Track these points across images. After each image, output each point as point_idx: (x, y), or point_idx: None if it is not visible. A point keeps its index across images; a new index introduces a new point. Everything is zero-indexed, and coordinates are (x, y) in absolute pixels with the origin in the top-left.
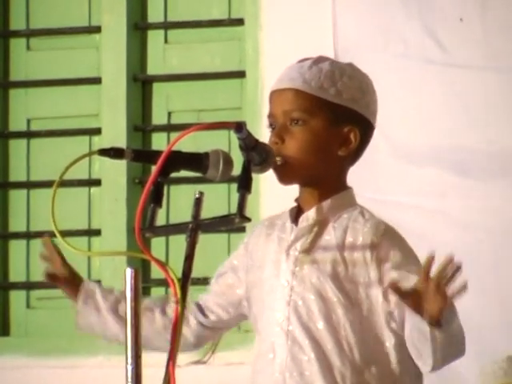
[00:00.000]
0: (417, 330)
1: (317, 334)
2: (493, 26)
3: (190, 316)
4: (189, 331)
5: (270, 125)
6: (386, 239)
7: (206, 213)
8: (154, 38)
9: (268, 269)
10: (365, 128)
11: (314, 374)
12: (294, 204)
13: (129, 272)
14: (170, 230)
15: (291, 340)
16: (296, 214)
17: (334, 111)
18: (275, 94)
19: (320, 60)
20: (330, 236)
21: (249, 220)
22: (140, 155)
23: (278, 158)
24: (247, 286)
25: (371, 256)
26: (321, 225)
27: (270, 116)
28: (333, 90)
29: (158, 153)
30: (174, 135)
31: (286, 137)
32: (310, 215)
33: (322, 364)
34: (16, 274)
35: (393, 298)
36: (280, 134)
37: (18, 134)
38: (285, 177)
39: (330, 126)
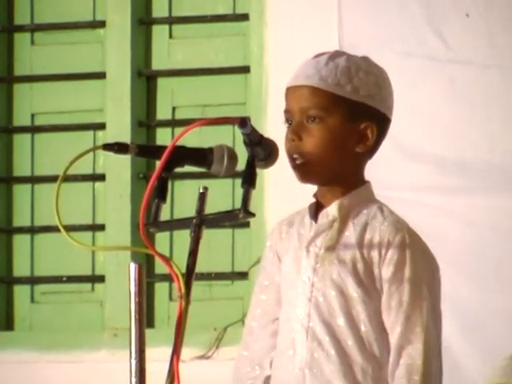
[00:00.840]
0: None
1: (337, 331)
2: (497, 22)
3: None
4: None
5: (287, 120)
6: (398, 243)
7: (210, 208)
8: (159, 33)
9: (288, 265)
10: (381, 123)
11: (334, 371)
12: (312, 200)
13: (133, 267)
14: (174, 225)
15: (311, 336)
16: (315, 209)
17: (351, 108)
18: (291, 91)
19: (336, 55)
20: (350, 232)
21: (253, 215)
22: (144, 150)
23: (295, 156)
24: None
25: (385, 253)
26: (341, 221)
27: (287, 112)
28: (349, 86)
29: (163, 148)
30: (178, 130)
31: (303, 134)
32: (329, 211)
33: (342, 360)
34: (20, 268)
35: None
36: (297, 131)
37: (23, 129)
38: (305, 176)
39: (347, 123)
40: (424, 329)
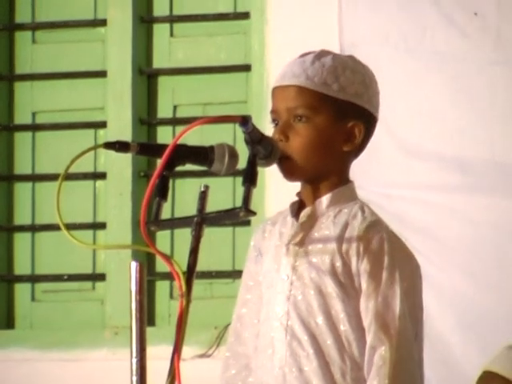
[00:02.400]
0: None
1: (316, 330)
2: (507, 20)
3: None
4: None
5: (273, 120)
6: (376, 242)
7: (211, 206)
8: (160, 31)
9: (268, 263)
10: (368, 121)
11: (313, 370)
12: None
13: (134, 265)
14: (175, 223)
15: (290, 335)
16: (297, 208)
17: (338, 107)
18: (278, 90)
19: (322, 54)
20: (330, 231)
21: (254, 214)
22: (145, 149)
23: (280, 155)
24: None
25: (363, 252)
26: (321, 219)
27: (273, 112)
28: (336, 85)
29: (164, 146)
30: (179, 129)
31: (290, 134)
32: (311, 210)
33: (321, 360)
34: (21, 266)
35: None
36: (284, 131)
37: (24, 127)
38: (290, 173)
39: (334, 122)
40: (397, 330)
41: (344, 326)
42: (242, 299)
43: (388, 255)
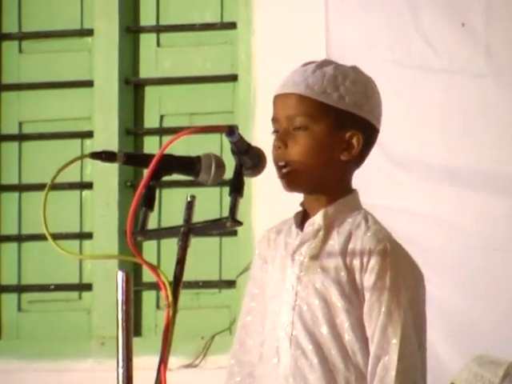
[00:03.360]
0: None
1: (321, 339)
2: (496, 32)
3: None
4: None
5: (275, 129)
6: (380, 252)
7: (198, 216)
8: (147, 41)
9: (274, 273)
10: (368, 132)
11: (317, 379)
12: (299, 208)
13: (120, 275)
14: (162, 233)
15: (295, 345)
16: (302, 218)
17: (337, 116)
18: (279, 99)
19: (324, 64)
20: (334, 241)
21: (240, 224)
22: (132, 158)
23: (281, 164)
24: None
25: (366, 263)
26: (325, 230)
27: (274, 120)
28: (336, 94)
29: (150, 156)
30: (166, 138)
31: (289, 142)
32: (315, 220)
33: (325, 369)
34: (7, 276)
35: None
36: (283, 138)
37: (10, 137)
38: (290, 184)
39: (333, 131)
40: (401, 340)
41: (348, 336)
42: (247, 307)
43: (391, 265)
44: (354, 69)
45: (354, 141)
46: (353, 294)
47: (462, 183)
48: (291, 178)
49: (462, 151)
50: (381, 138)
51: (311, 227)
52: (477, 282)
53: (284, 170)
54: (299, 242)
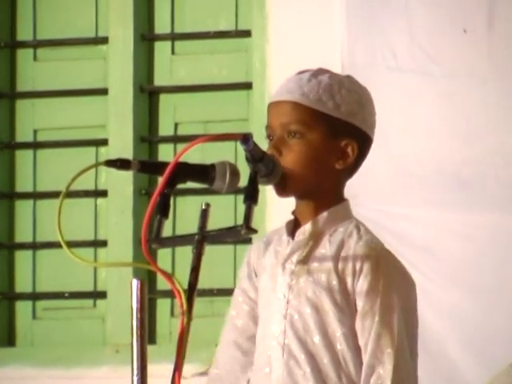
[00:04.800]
0: None
1: (313, 348)
2: (498, 37)
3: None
4: None
5: (268, 136)
6: (372, 261)
7: (213, 224)
8: (161, 49)
9: (264, 282)
10: (363, 141)
11: None
12: (291, 217)
13: (135, 283)
14: (177, 241)
15: (287, 354)
16: (293, 227)
17: (332, 124)
18: (273, 106)
19: (319, 72)
20: (325, 249)
21: (255, 231)
22: (146, 166)
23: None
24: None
25: (359, 271)
26: (317, 238)
27: (268, 127)
28: (331, 103)
29: (165, 164)
30: (180, 146)
31: (283, 149)
32: (306, 229)
33: (317, 378)
34: (22, 284)
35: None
36: (277, 146)
37: (25, 145)
38: (282, 190)
39: (328, 139)
40: (395, 349)
41: (340, 345)
42: (230, 316)
43: (384, 274)
44: (349, 78)
45: (349, 150)
46: (345, 303)
47: (473, 190)
48: (283, 184)
49: (470, 158)
50: (391, 145)
51: (302, 235)
52: (490, 289)
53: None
54: (290, 251)
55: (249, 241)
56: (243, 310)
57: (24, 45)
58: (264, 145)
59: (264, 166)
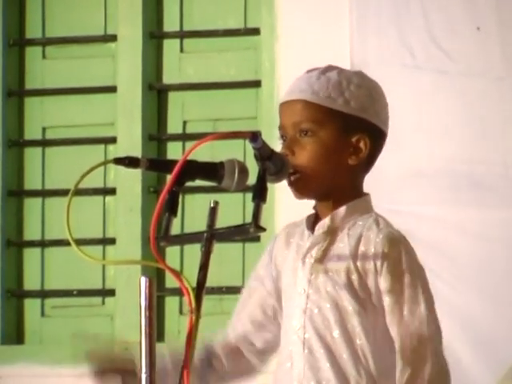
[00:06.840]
0: None
1: (332, 343)
2: (511, 34)
3: (245, 347)
4: (254, 361)
5: (282, 137)
6: (395, 254)
7: (221, 222)
8: (170, 47)
9: (286, 276)
10: (376, 136)
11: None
12: (312, 211)
13: (143, 281)
14: (185, 239)
15: (308, 348)
16: (313, 221)
17: (343, 120)
18: (284, 106)
19: (328, 69)
20: (344, 243)
21: (263, 230)
22: (155, 164)
23: (290, 171)
24: (278, 295)
25: (381, 266)
26: (335, 232)
27: (281, 128)
28: (341, 99)
29: (174, 162)
30: (189, 144)
31: (296, 148)
32: (325, 223)
33: (337, 373)
34: (31, 282)
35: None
36: (290, 146)
37: (34, 143)
38: (300, 191)
39: (340, 136)
40: (434, 346)
41: (360, 340)
42: (242, 299)
43: (408, 268)
44: (359, 73)
45: (362, 144)
46: (365, 298)
47: (486, 188)
48: (300, 185)
49: (485, 156)
50: (403, 143)
51: (321, 230)
52: (502, 289)
53: (292, 178)
54: (310, 245)
55: (257, 239)
56: (257, 296)
57: (33, 43)
58: (272, 143)
59: (273, 164)
